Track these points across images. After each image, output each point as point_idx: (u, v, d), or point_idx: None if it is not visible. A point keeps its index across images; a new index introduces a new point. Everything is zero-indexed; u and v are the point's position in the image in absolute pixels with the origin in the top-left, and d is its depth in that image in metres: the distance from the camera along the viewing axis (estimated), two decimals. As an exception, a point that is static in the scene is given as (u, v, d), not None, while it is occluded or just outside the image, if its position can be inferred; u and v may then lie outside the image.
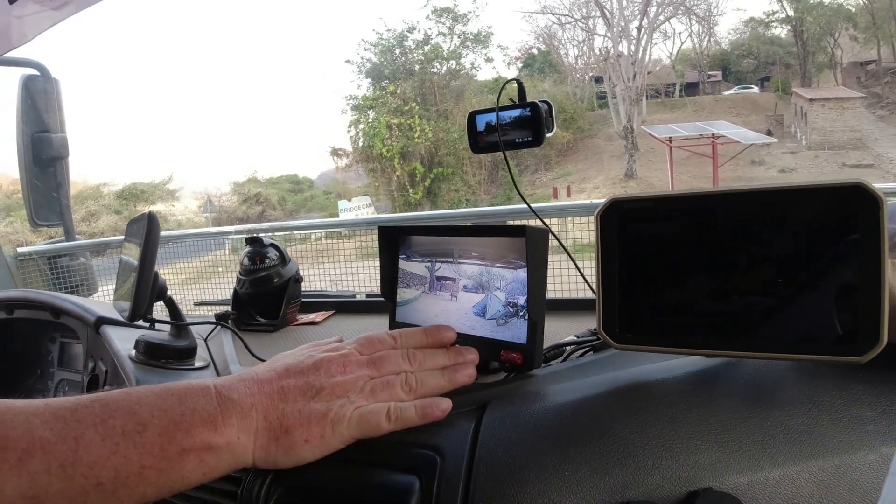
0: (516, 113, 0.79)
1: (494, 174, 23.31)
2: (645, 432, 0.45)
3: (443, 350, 0.58)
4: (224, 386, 0.49)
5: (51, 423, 0.42)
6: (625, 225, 0.52)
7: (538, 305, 0.57)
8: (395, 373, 0.54)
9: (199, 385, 0.49)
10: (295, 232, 4.54)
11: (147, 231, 0.79)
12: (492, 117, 0.80)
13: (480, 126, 0.82)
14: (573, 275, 0.81)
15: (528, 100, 0.79)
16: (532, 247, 0.57)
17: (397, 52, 24.51)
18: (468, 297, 0.63)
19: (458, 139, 21.80)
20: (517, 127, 0.78)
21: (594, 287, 0.54)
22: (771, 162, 22.64)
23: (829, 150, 22.15)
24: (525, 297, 0.58)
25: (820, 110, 22.60)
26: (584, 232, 3.19)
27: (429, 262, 0.68)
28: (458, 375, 0.56)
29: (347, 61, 25.23)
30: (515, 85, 0.81)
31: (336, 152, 25.73)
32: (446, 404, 0.53)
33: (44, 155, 2.46)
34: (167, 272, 4.85)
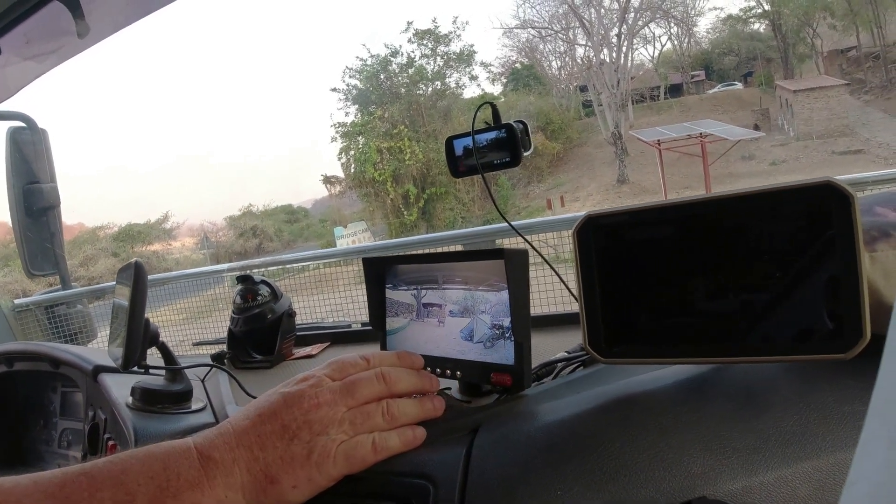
0: (492, 135, 0.79)
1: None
2: (636, 445, 0.44)
3: (414, 371, 0.59)
4: (205, 445, 0.49)
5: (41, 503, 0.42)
6: (602, 240, 0.53)
7: (523, 326, 0.57)
8: (371, 398, 0.54)
9: (180, 447, 0.49)
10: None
11: (135, 280, 0.79)
12: (468, 141, 0.80)
13: (458, 150, 0.82)
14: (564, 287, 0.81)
15: (510, 118, 0.80)
16: (511, 268, 0.57)
17: (382, 76, 24.65)
18: (455, 321, 0.63)
19: (448, 158, 21.81)
20: (494, 149, 0.79)
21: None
22: (761, 156, 22.71)
23: (817, 139, 22.22)
24: (510, 318, 0.58)
25: (805, 101, 22.70)
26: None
27: (415, 289, 0.68)
28: (428, 406, 0.57)
29: (333, 89, 25.31)
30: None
31: (328, 180, 25.84)
32: (421, 431, 0.54)
33: (35, 206, 2.48)
34: (168, 311, 4.85)
